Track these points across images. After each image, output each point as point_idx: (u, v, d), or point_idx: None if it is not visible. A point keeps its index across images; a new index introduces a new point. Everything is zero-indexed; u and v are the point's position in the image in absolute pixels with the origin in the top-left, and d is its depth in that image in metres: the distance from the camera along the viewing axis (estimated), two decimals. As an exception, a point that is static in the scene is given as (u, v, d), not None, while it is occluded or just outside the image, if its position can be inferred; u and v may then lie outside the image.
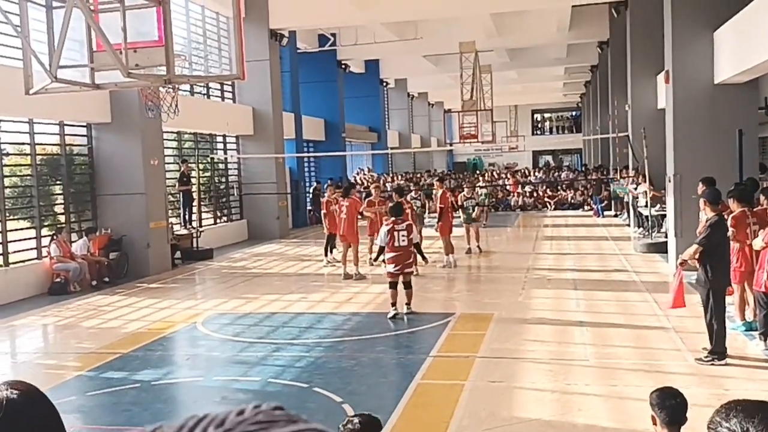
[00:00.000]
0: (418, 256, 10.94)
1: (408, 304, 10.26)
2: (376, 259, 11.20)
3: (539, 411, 6.36)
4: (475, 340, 8.79)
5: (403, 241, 10.19)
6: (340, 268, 14.50)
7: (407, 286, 10.28)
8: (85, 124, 15.36)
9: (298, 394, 7.12)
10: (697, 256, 7.43)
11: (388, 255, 10.24)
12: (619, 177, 21.56)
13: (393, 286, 10.25)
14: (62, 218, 15.06)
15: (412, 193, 18.68)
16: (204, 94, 20.91)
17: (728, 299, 8.28)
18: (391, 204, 12.04)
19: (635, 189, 18.34)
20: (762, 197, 8.86)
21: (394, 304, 10.20)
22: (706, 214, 7.75)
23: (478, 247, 16.73)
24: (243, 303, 11.94)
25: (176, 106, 11.59)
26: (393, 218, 10.45)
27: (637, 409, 6.02)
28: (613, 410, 6.34)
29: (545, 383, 7.11)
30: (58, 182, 15.13)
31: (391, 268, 10.23)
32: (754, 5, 10.30)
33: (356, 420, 3.39)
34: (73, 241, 14.46)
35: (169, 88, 10.68)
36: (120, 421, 6.59)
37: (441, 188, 15.75)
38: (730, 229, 7.96)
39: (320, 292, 12.68)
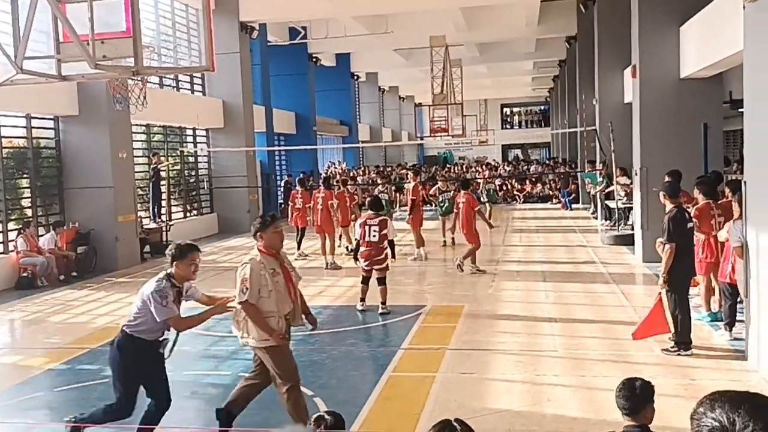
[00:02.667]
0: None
1: (383, 303, 10.01)
2: (356, 258, 10.78)
3: (509, 401, 6.43)
4: (446, 333, 8.85)
5: (374, 236, 9.92)
6: (311, 261, 14.51)
7: (380, 283, 10.05)
8: (52, 116, 15.13)
9: (269, 387, 7.09)
10: (669, 255, 7.46)
11: (361, 249, 10.10)
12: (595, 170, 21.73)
13: (365, 281, 10.13)
14: (29, 212, 14.84)
15: (380, 187, 18.73)
16: (173, 87, 20.70)
17: (694, 290, 8.45)
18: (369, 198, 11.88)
19: (602, 182, 18.57)
20: (727, 189, 9.02)
21: (363, 300, 10.14)
22: (666, 207, 7.89)
23: (452, 239, 16.75)
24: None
25: (144, 98, 11.49)
26: (369, 212, 10.26)
27: (605, 399, 6.12)
28: (582, 400, 6.44)
29: (515, 374, 7.19)
30: (24, 176, 14.90)
31: (362, 262, 10.09)
32: (719, 1, 10.47)
33: (328, 418, 3.45)
34: (41, 235, 14.25)
35: (137, 79, 10.58)
36: (89, 417, 6.51)
37: (414, 180, 15.77)
38: (693, 221, 8.10)
39: (291, 286, 12.65)
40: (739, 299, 7.90)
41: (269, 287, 5.43)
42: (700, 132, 12.60)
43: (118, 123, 15.15)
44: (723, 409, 1.48)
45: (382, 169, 35.51)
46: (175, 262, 5.44)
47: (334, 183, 16.05)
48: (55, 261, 13.60)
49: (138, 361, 5.39)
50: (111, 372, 5.57)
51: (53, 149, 15.36)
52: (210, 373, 7.75)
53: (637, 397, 3.62)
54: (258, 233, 5.63)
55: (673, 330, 7.51)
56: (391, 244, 10.18)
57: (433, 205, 23.25)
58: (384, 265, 10.08)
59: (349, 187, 17.65)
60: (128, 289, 12.83)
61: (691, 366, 7.21)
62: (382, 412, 6.36)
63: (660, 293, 7.59)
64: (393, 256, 10.53)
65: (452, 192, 17.16)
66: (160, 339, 5.50)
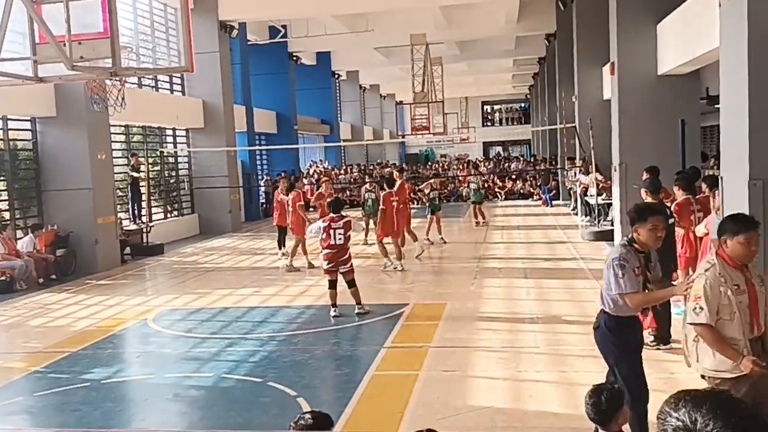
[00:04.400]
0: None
1: (358, 304, 9.86)
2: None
3: (492, 399, 6.46)
4: (428, 331, 8.87)
5: (340, 239, 9.71)
6: (293, 261, 14.47)
7: (350, 285, 9.85)
8: (29, 118, 14.97)
9: (252, 389, 7.09)
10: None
11: (323, 252, 9.86)
12: (570, 171, 21.82)
13: (332, 285, 9.80)
14: (7, 215, 14.67)
15: (367, 185, 18.68)
16: (152, 87, 20.56)
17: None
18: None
19: (577, 177, 18.69)
20: (704, 185, 9.12)
21: (334, 305, 9.80)
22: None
23: (441, 238, 16.73)
24: (195, 298, 11.82)
25: (123, 99, 11.40)
26: (331, 215, 9.98)
27: (586, 394, 6.17)
28: (564, 396, 6.48)
29: (497, 371, 7.23)
30: (1, 178, 14.73)
31: (325, 265, 9.81)
32: (695, -1, 10.59)
33: (307, 416, 3.43)
34: (19, 238, 14.10)
35: (115, 80, 10.50)
36: (70, 422, 6.47)
37: (400, 179, 15.67)
38: (674, 216, 8.18)
39: (274, 286, 12.63)
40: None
41: (732, 308, 4.20)
42: (678, 128, 12.74)
43: (97, 124, 15.02)
44: (686, 408, 1.51)
45: (364, 167, 35.53)
46: (634, 225, 4.76)
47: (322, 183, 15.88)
48: (33, 264, 13.46)
49: (631, 336, 4.87)
50: (607, 361, 4.95)
51: (30, 151, 15.20)
52: (192, 375, 7.71)
53: (603, 411, 3.64)
54: (726, 237, 4.29)
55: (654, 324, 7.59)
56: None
57: (419, 203, 23.28)
58: (349, 266, 9.88)
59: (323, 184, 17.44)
60: (108, 291, 12.75)
61: (670, 360, 7.27)
62: (366, 412, 6.37)
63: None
64: None
65: (444, 190, 17.11)
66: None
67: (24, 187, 15.15)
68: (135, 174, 17.90)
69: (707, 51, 9.96)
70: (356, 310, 9.88)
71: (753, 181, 6.66)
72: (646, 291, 4.86)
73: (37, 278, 13.53)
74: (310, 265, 13.82)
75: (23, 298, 12.39)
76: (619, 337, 4.84)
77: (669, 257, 7.90)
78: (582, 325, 8.89)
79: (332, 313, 9.82)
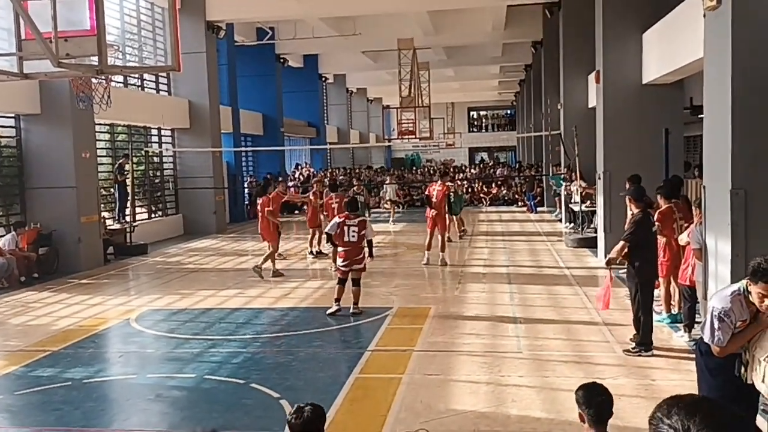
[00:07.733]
0: None
1: (355, 303, 10.02)
2: (329, 241, 10.54)
3: (474, 402, 6.49)
4: (412, 334, 8.89)
5: (353, 237, 9.94)
6: (281, 261, 14.44)
7: (355, 283, 10.05)
8: (13, 115, 14.85)
9: (234, 390, 7.07)
10: (623, 253, 7.66)
11: (339, 249, 10.08)
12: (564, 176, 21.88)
13: (341, 282, 10.05)
14: (-12, 212, 14.54)
15: (354, 188, 18.68)
16: (138, 86, 20.46)
17: (655, 292, 8.60)
18: (347, 199, 11.60)
19: (569, 186, 18.80)
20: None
21: (337, 300, 9.99)
22: (631, 211, 8.03)
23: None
24: (178, 299, 11.77)
25: (108, 97, 11.32)
26: (346, 212, 10.25)
27: (568, 400, 6.19)
28: (545, 401, 6.52)
29: (480, 375, 7.25)
30: (-17, 175, 14.60)
31: (339, 262, 10.07)
32: (680, 9, 10.69)
33: (307, 408, 3.45)
34: (1, 236, 13.98)
35: (101, 78, 10.44)
36: (50, 421, 6.43)
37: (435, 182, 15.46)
38: (656, 224, 8.26)
39: (257, 288, 12.58)
40: (697, 301, 8.07)
41: None
42: (662, 137, 12.85)
43: (82, 122, 14.93)
44: (679, 416, 1.50)
45: (350, 169, 35.53)
46: (748, 279, 4.21)
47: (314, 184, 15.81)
48: (15, 262, 13.34)
49: (725, 381, 4.44)
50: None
51: (14, 148, 15.07)
52: (174, 375, 7.68)
53: (600, 404, 3.65)
54: None
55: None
56: (369, 243, 10.24)
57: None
58: (362, 265, 10.12)
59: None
60: (91, 290, 12.66)
61: (651, 367, 7.34)
62: (349, 414, 6.37)
63: (608, 272, 7.80)
64: (371, 255, 10.45)
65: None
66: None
67: (7, 184, 15.02)
68: (120, 175, 17.77)
69: (691, 61, 10.06)
70: (351, 309, 10.03)
71: (735, 190, 6.73)
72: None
73: (18, 276, 13.41)
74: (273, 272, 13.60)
75: (4, 296, 12.28)
76: (711, 368, 4.59)
77: (653, 266, 7.99)
78: (564, 331, 8.95)
79: (333, 308, 9.94)
